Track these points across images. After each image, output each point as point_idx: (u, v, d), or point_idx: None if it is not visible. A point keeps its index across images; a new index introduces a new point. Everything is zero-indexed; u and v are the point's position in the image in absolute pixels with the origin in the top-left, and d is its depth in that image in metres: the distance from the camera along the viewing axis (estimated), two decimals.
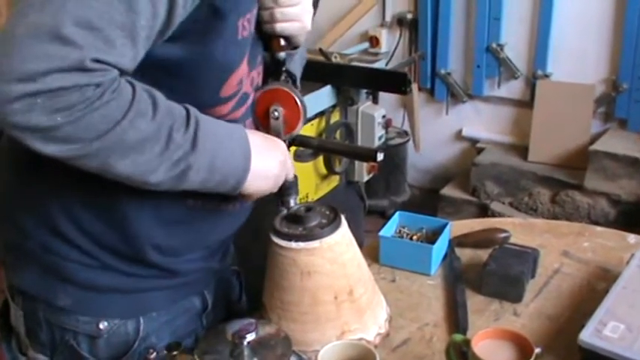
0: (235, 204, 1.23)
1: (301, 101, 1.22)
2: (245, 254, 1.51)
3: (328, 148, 1.48)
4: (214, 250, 1.30)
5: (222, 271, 1.39)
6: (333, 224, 1.21)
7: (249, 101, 1.19)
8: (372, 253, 1.62)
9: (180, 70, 1.00)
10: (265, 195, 1.17)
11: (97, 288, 1.17)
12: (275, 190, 1.15)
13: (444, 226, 1.63)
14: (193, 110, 1.00)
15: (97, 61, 0.85)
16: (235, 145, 1.06)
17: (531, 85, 3.69)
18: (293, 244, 1.18)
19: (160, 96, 0.95)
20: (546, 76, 3.64)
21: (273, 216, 1.25)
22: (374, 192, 3.92)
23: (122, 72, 0.90)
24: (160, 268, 1.20)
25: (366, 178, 3.38)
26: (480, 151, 3.88)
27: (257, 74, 1.19)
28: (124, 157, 0.91)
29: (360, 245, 1.31)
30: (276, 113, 1.20)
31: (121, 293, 1.18)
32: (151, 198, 1.07)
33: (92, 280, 1.16)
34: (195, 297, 1.31)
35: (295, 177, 1.23)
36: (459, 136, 4.08)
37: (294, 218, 1.23)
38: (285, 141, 1.22)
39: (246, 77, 1.13)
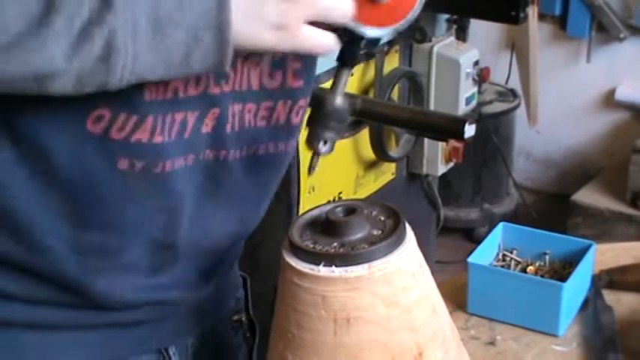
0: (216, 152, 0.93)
1: None
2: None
3: (379, 116, 1.17)
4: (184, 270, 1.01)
5: (211, 319, 1.09)
6: (392, 238, 0.92)
7: None
8: (455, 296, 1.36)
9: None
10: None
11: None
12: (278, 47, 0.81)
13: (584, 251, 1.34)
14: None
15: None
16: None
17: None
18: (322, 270, 0.91)
19: None
20: None
21: (287, 222, 1.04)
22: (455, 195, 3.06)
23: None
24: (79, 291, 0.92)
25: (442, 170, 2.55)
26: None
27: None
28: None
29: None
30: None
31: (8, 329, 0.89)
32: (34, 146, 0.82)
33: None
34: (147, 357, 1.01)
35: (340, 68, 0.89)
36: (609, 100, 3.19)
37: (326, 225, 0.95)
38: (376, 41, 0.87)
39: None
